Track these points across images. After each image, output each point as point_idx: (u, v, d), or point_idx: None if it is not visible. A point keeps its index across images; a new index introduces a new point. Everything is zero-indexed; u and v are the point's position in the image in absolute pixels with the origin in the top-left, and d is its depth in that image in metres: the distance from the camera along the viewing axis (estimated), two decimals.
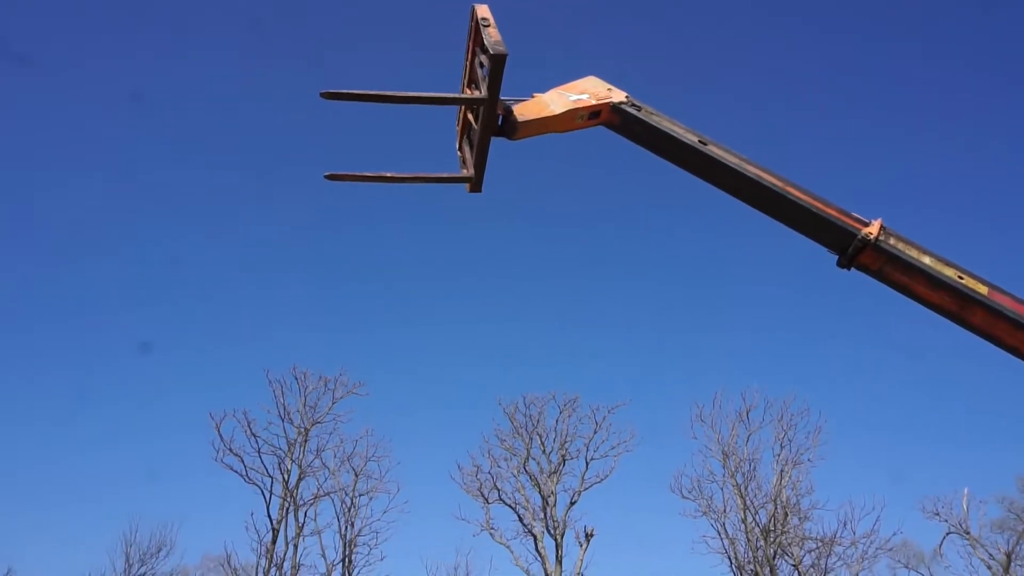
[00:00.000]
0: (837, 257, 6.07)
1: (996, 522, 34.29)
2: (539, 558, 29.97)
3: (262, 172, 72.78)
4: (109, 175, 65.90)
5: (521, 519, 31.04)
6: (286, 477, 30.52)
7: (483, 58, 5.79)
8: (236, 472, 29.98)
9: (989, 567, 32.81)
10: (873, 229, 5.90)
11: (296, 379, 32.47)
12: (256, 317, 59.95)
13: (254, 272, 64.84)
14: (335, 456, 31.97)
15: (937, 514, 34.20)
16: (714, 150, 6.11)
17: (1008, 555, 32.70)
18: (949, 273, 5.82)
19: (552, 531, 30.51)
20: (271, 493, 30.01)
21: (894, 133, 73.73)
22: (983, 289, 5.77)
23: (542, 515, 30.97)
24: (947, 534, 33.94)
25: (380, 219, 72.09)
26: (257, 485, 30.00)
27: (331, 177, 5.93)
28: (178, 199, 68.32)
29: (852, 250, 5.92)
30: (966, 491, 34.37)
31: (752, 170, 6.06)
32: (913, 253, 5.89)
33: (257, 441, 30.49)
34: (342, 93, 5.59)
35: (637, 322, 63.85)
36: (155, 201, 67.40)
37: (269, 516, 29.57)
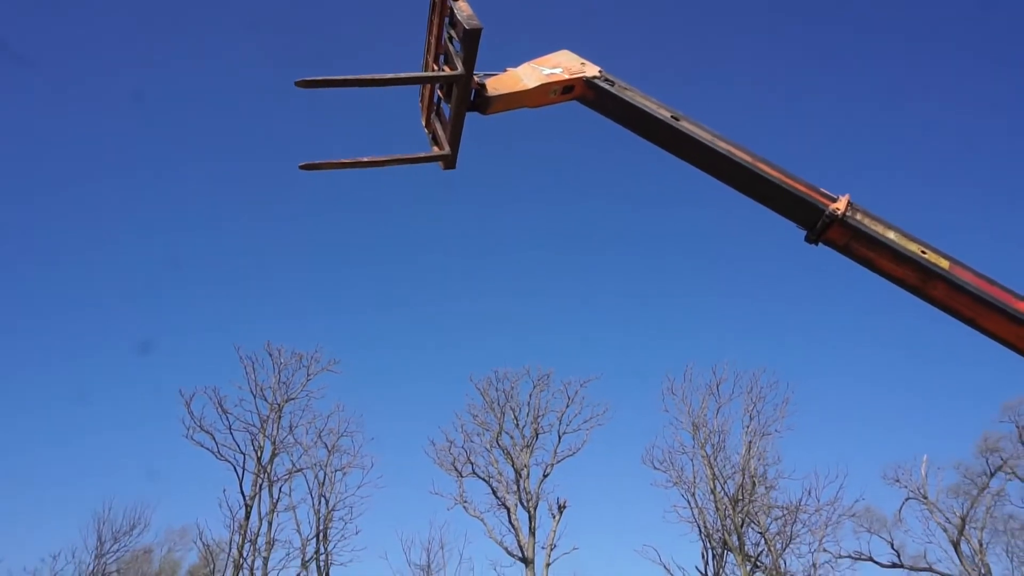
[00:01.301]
0: (805, 232, 6.22)
1: (952, 487, 35.54)
2: (512, 530, 30.41)
3: (238, 158, 71.21)
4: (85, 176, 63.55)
5: (495, 492, 31.38)
6: (259, 453, 30.41)
7: (453, 32, 5.73)
8: (207, 449, 29.82)
9: (945, 530, 34.05)
10: (840, 205, 6.02)
11: (270, 355, 32.28)
12: (231, 296, 59.09)
13: (232, 254, 63.91)
14: (307, 432, 31.95)
15: (897, 480, 35.36)
16: (687, 126, 6.16)
17: (963, 519, 33.94)
18: (913, 248, 5.98)
19: (525, 503, 30.89)
20: (244, 469, 29.91)
21: (862, 109, 74.38)
22: (944, 263, 5.95)
23: (515, 488, 31.34)
24: (906, 500, 35.14)
25: (350, 201, 71.36)
26: (229, 462, 29.88)
27: (305, 167, 5.88)
28: (161, 187, 66.67)
29: (820, 225, 6.05)
30: (925, 458, 35.56)
31: (723, 146, 6.12)
32: (879, 228, 6.03)
33: (228, 418, 30.31)
34: (317, 80, 5.57)
35: (609, 296, 64.32)
36: (139, 190, 65.69)
37: (242, 492, 29.51)
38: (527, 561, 29.51)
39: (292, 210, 68.90)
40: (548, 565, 29.66)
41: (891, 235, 6.01)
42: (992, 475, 34.26)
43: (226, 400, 30.36)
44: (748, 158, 6.10)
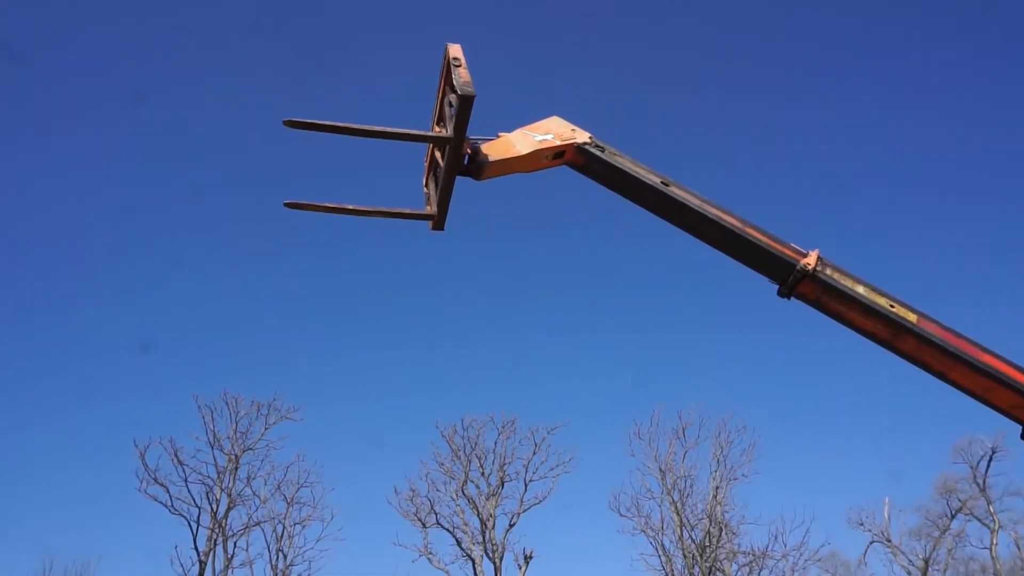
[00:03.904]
0: (777, 287, 6.31)
1: (915, 530, 35.99)
2: None
3: (211, 195, 70.03)
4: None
5: (459, 543, 30.67)
6: (215, 507, 29.27)
7: (452, 98, 5.74)
8: (161, 503, 28.60)
9: (908, 573, 34.38)
10: (811, 260, 6.13)
11: (227, 404, 31.29)
12: (186, 341, 57.40)
13: (186, 296, 62.36)
14: (266, 484, 30.94)
15: (861, 524, 35.72)
16: (676, 191, 6.21)
17: (926, 561, 34.32)
18: (881, 302, 6.09)
19: (491, 554, 30.22)
20: (198, 524, 28.71)
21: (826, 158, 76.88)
22: (912, 317, 6.07)
23: (481, 538, 30.68)
24: (871, 543, 35.48)
25: (314, 242, 70.59)
26: (183, 516, 28.69)
27: (291, 206, 5.79)
28: (140, 209, 65.22)
29: (792, 280, 6.13)
30: (887, 500, 36.02)
31: (713, 211, 6.20)
32: (848, 283, 6.14)
33: (184, 470, 29.17)
34: (305, 123, 5.52)
35: (576, 341, 64.34)
36: (113, 211, 64.04)
37: (196, 548, 28.26)
38: None
39: (252, 250, 67.49)
40: None
41: (860, 289, 6.13)
42: (952, 517, 34.81)
43: (182, 452, 29.35)
44: (737, 223, 6.19)
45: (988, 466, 33.90)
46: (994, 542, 33.70)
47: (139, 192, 66.79)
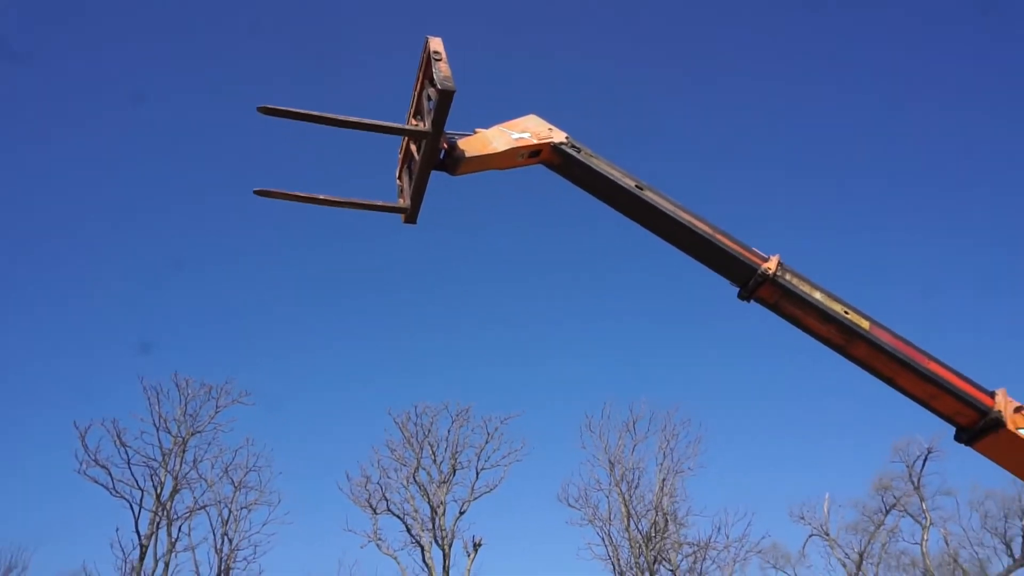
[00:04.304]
0: (738, 290, 6.43)
1: (852, 524, 37.28)
2: (426, 569, 29.69)
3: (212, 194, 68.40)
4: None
5: (409, 529, 30.63)
6: (159, 490, 28.62)
7: (431, 91, 5.65)
8: (101, 484, 27.81)
9: (844, 565, 35.63)
10: (772, 265, 6.25)
11: (176, 386, 30.57)
12: (139, 323, 55.83)
13: (138, 277, 60.81)
14: (213, 467, 30.37)
15: (802, 518, 36.83)
16: (650, 196, 6.25)
17: (860, 554, 35.62)
18: (837, 308, 6.26)
19: (440, 541, 30.29)
20: (141, 507, 28.06)
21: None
22: (865, 324, 6.26)
23: (431, 525, 30.70)
24: (810, 536, 36.63)
25: (272, 231, 69.50)
26: (125, 498, 27.96)
27: (260, 193, 5.66)
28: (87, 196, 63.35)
29: (753, 284, 6.26)
30: (827, 496, 37.19)
31: (686, 217, 6.26)
32: (806, 288, 6.29)
33: (127, 451, 28.42)
34: (280, 110, 5.40)
35: (532, 331, 64.60)
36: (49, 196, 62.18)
37: (137, 531, 27.63)
38: None
39: (214, 243, 66.33)
40: None
41: (817, 295, 6.29)
42: (887, 513, 36.15)
43: (125, 433, 28.54)
44: (708, 229, 6.27)
45: (923, 465, 35.23)
46: (925, 538, 35.13)
47: (139, 192, 65.19)
